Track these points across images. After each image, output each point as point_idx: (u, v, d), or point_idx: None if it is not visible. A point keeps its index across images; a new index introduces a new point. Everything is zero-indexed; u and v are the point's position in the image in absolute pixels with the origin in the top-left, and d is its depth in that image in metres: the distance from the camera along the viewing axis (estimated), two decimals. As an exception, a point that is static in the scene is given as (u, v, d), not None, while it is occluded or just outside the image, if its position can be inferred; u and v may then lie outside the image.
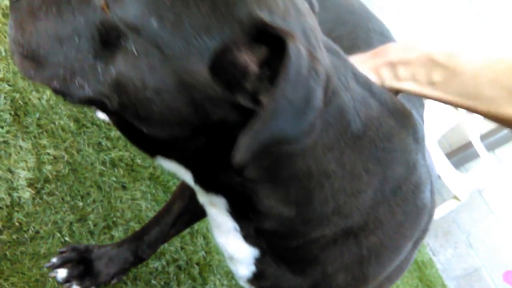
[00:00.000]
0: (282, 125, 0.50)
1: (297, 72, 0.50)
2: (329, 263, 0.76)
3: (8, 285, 1.00)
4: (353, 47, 1.15)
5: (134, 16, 0.56)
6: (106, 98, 0.61)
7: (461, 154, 3.16)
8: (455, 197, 2.87)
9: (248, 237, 0.77)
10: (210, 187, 0.72)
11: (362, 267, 0.76)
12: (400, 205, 0.74)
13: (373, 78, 0.80)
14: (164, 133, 0.62)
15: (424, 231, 0.84)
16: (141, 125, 0.62)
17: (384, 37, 1.20)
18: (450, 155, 3.14)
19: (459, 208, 3.03)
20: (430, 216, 0.83)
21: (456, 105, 0.76)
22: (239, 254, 0.81)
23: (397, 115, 0.74)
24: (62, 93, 0.63)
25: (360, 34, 1.18)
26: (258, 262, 0.80)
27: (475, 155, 2.97)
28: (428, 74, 0.76)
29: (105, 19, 0.58)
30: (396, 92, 0.82)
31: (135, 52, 0.57)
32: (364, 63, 0.82)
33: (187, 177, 0.72)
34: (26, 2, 0.62)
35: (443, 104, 0.78)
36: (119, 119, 0.66)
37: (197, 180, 0.72)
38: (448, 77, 0.74)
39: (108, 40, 0.58)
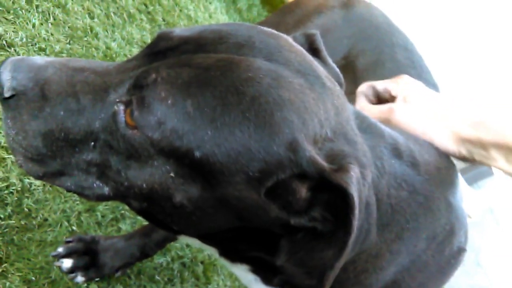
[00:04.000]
0: (356, 249, 0.54)
1: (361, 204, 0.51)
2: None
3: (13, 270, 1.01)
4: (377, 62, 1.15)
5: (171, 143, 0.51)
6: (132, 200, 0.57)
7: (475, 171, 3.11)
8: (467, 215, 2.83)
9: (271, 284, 0.76)
10: (236, 260, 0.71)
11: None
12: (422, 270, 0.74)
13: (453, 147, 0.81)
14: (198, 233, 0.61)
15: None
16: (173, 226, 0.60)
17: (408, 51, 1.19)
18: (463, 171, 3.10)
19: (469, 226, 2.99)
20: (460, 262, 0.83)
21: None
22: None
23: (435, 178, 0.74)
24: (77, 193, 0.60)
25: (384, 49, 1.18)
26: None
27: (489, 173, 2.92)
28: None
29: (133, 138, 0.53)
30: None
31: (172, 174, 0.52)
32: (460, 128, 0.81)
33: (211, 250, 0.71)
34: (24, 101, 0.56)
35: None
36: (144, 212, 0.61)
37: (222, 255, 0.71)
38: None
39: (137, 154, 0.53)
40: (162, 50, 0.57)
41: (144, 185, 0.54)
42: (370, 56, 1.17)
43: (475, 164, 0.85)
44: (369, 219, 0.54)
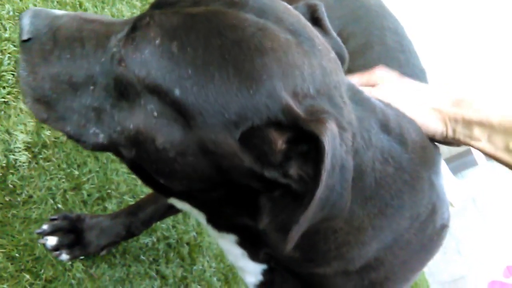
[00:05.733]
0: (326, 210, 0.53)
1: (334, 161, 0.51)
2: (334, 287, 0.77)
3: (-4, 246, 1.00)
4: (366, 45, 1.14)
5: (154, 80, 0.55)
6: (123, 147, 0.60)
7: (459, 161, 3.16)
8: (450, 203, 2.87)
9: (257, 259, 0.77)
10: (223, 228, 0.73)
11: None
12: (404, 248, 0.75)
13: (437, 125, 0.81)
14: (182, 187, 0.62)
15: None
16: (159, 177, 0.61)
17: (398, 35, 1.18)
18: (448, 160, 3.14)
19: (451, 215, 3.04)
20: (442, 238, 0.84)
21: None
22: (247, 267, 0.81)
23: (421, 158, 0.74)
24: (75, 139, 0.63)
25: (374, 31, 1.16)
26: (266, 273, 0.80)
27: (473, 163, 2.97)
28: (507, 141, 0.75)
29: (122, 74, 0.57)
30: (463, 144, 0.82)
31: (155, 114, 0.56)
32: (442, 106, 0.81)
33: (199, 217, 0.73)
34: (38, 44, 0.62)
35: None
36: (134, 165, 0.64)
37: (209, 221, 0.73)
38: None
39: (126, 94, 0.58)
40: (162, 4, 0.61)
41: (131, 126, 0.57)
42: (360, 39, 1.15)
43: (458, 145, 0.84)
44: (342, 182, 0.53)
